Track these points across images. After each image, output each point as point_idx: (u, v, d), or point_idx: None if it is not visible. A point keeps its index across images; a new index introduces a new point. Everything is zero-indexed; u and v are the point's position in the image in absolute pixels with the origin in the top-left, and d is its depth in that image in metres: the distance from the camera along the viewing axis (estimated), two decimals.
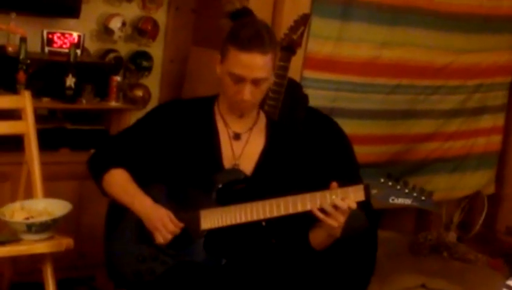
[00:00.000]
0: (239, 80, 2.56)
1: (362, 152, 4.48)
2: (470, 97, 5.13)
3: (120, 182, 2.70)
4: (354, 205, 2.48)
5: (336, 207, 2.47)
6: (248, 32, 2.54)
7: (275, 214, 2.53)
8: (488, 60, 5.11)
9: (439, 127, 5.04)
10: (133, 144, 2.74)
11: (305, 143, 2.87)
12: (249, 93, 2.58)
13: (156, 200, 2.65)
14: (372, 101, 4.65)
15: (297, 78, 4.08)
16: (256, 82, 2.57)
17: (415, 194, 2.48)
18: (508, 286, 2.37)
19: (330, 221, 2.48)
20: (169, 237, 2.57)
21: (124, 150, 2.74)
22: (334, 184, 2.50)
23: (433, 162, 5.08)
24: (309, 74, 4.28)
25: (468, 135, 5.22)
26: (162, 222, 2.57)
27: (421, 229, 5.17)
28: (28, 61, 3.72)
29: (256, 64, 2.54)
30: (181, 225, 2.59)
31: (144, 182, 2.70)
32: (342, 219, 2.50)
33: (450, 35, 4.84)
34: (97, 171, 2.75)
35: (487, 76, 5.15)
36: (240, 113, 2.70)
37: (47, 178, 3.27)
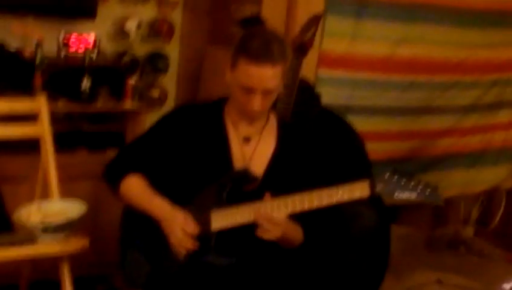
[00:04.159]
0: (249, 90, 2.57)
1: (379, 149, 4.50)
2: (487, 92, 5.11)
3: (137, 188, 2.73)
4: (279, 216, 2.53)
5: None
6: (257, 43, 2.54)
7: (282, 212, 2.56)
8: (504, 54, 5.09)
9: (455, 122, 5.04)
10: (146, 151, 2.78)
11: (316, 144, 2.88)
12: (259, 104, 2.59)
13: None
14: (388, 98, 4.66)
15: (312, 76, 4.09)
16: (266, 92, 2.58)
17: (419, 189, 2.49)
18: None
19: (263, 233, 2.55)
20: (186, 240, 2.58)
21: (138, 156, 2.78)
22: None
23: (450, 158, 5.08)
24: (324, 72, 4.29)
25: (485, 129, 5.22)
26: (180, 225, 2.58)
27: (438, 224, 5.17)
28: (45, 65, 3.77)
29: (266, 76, 2.54)
30: (197, 229, 2.60)
31: (159, 187, 2.72)
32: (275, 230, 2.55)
33: (466, 30, 4.82)
34: (113, 179, 2.78)
35: (503, 71, 5.13)
36: (250, 120, 2.71)
37: (64, 179, 3.30)
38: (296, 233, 2.68)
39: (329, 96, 4.07)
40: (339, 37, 4.33)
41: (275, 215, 2.54)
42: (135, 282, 2.80)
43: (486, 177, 5.32)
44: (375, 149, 4.09)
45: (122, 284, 3.78)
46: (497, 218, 5.40)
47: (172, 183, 2.74)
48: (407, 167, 4.74)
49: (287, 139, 2.79)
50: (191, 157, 2.73)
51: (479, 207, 5.38)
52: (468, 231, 5.10)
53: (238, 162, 2.73)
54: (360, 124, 4.00)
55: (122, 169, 2.78)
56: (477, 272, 4.40)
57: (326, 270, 3.32)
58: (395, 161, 4.76)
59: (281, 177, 2.73)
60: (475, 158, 5.23)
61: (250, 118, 2.70)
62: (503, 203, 5.41)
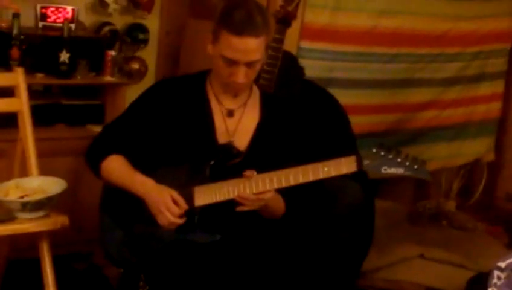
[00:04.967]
0: (232, 63, 2.53)
1: (361, 122, 4.48)
2: (469, 64, 5.11)
3: (118, 168, 2.68)
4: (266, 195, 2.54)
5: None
6: (240, 15, 2.50)
7: (268, 188, 2.53)
8: (487, 26, 5.08)
9: (438, 95, 5.03)
10: (127, 130, 2.72)
11: (300, 116, 2.85)
12: (243, 76, 2.56)
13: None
14: (371, 71, 4.63)
15: (294, 48, 4.05)
16: (249, 64, 2.55)
17: (407, 163, 2.47)
18: (498, 267, 2.37)
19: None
20: (173, 219, 2.54)
21: (119, 136, 2.72)
22: None
23: (432, 131, 5.08)
24: (306, 44, 4.25)
25: (467, 102, 5.21)
26: (166, 205, 2.54)
27: (420, 198, 5.17)
28: (22, 37, 3.69)
29: (250, 48, 2.51)
30: (185, 206, 2.56)
31: (141, 164, 2.67)
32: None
33: (449, 2, 4.81)
34: (94, 161, 2.73)
35: (486, 43, 5.12)
36: (234, 93, 2.68)
37: (43, 154, 3.25)
38: (278, 203, 2.66)
39: (311, 68, 4.05)
40: (322, 8, 4.28)
41: (259, 192, 2.52)
42: (115, 261, 2.78)
43: (468, 150, 5.33)
44: (357, 122, 4.07)
45: (102, 262, 3.75)
46: (479, 191, 5.42)
47: (156, 160, 2.69)
48: (389, 140, 4.72)
49: (270, 112, 2.76)
50: (174, 132, 2.68)
51: (461, 180, 5.39)
52: (450, 205, 5.10)
53: (221, 136, 2.69)
54: (342, 96, 3.97)
55: (102, 150, 2.73)
56: (460, 245, 4.41)
57: (310, 245, 3.29)
58: (377, 134, 4.74)
59: (265, 151, 2.70)
60: (457, 131, 5.23)
61: (234, 91, 2.67)
62: (484, 176, 5.43)
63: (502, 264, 2.38)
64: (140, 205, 2.62)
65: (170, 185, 2.60)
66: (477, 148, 5.37)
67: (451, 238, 4.55)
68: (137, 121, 2.71)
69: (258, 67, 2.61)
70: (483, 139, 5.39)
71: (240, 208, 2.54)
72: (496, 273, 2.39)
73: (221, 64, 2.56)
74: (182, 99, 2.70)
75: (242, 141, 2.70)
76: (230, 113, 2.71)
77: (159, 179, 2.62)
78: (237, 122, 2.71)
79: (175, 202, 2.56)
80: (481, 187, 5.43)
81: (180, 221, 2.56)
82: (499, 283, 2.37)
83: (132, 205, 2.65)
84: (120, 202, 2.72)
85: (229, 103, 2.71)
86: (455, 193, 5.32)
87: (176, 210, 2.54)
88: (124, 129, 2.73)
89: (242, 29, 2.48)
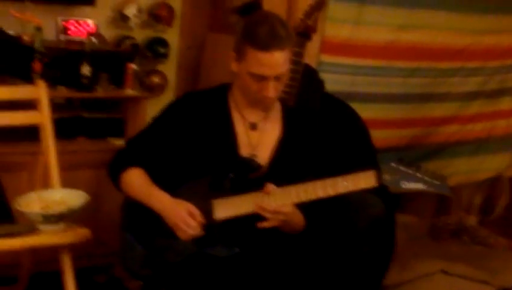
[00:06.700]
0: (261, 78, 2.56)
1: (381, 136, 4.46)
2: (490, 79, 5.07)
3: (137, 181, 2.70)
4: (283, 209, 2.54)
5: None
6: (264, 30, 2.52)
7: (287, 202, 2.54)
8: (508, 40, 5.04)
9: (458, 109, 5.00)
10: (150, 144, 2.74)
11: (321, 129, 2.87)
12: (273, 90, 2.59)
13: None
14: (391, 85, 4.61)
15: (314, 62, 4.04)
16: (278, 78, 2.58)
17: (427, 179, 2.46)
18: None
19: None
20: (191, 232, 2.56)
21: (142, 150, 2.75)
22: None
23: (453, 145, 5.05)
24: (326, 58, 4.24)
25: (488, 117, 5.18)
26: (182, 219, 2.55)
27: (441, 213, 5.13)
28: (44, 50, 3.71)
29: (277, 61, 2.54)
30: (201, 219, 2.57)
31: (164, 178, 2.69)
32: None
33: (469, 16, 4.77)
34: (115, 172, 2.75)
35: (507, 57, 5.09)
36: (264, 107, 2.70)
37: (64, 167, 3.25)
38: (298, 218, 2.66)
39: (331, 82, 4.03)
40: (342, 22, 4.27)
41: (278, 205, 2.53)
42: (134, 273, 2.77)
43: (489, 165, 5.29)
44: (377, 137, 4.05)
45: (123, 275, 3.75)
46: (500, 206, 5.37)
47: (179, 173, 2.70)
48: (410, 155, 4.70)
49: (292, 125, 2.78)
50: (197, 145, 2.69)
51: (482, 196, 5.35)
52: (471, 220, 5.07)
53: (244, 149, 2.71)
54: (363, 111, 3.95)
55: (124, 163, 2.75)
56: (482, 261, 4.37)
57: (331, 260, 3.27)
58: (397, 148, 4.72)
59: (287, 164, 2.71)
60: (478, 146, 5.20)
61: (264, 105, 2.69)
62: (506, 192, 5.39)
63: None
64: (159, 218, 2.62)
65: (191, 199, 2.60)
66: (499, 163, 5.33)
67: (473, 254, 4.52)
68: (161, 135, 2.73)
69: (284, 79, 2.64)
70: (505, 154, 5.35)
71: (261, 225, 2.54)
72: None
73: (250, 80, 2.58)
74: (205, 113, 2.72)
75: (264, 154, 2.71)
76: (253, 126, 2.72)
77: (181, 193, 2.62)
78: (260, 135, 2.72)
79: (192, 215, 2.56)
80: (503, 203, 5.39)
81: (198, 233, 2.56)
82: None
83: (152, 218, 2.65)
84: (140, 216, 2.71)
85: (252, 116, 2.72)
86: (476, 208, 5.28)
87: (193, 223, 2.55)
88: (147, 143, 2.75)
89: (268, 44, 2.51)
